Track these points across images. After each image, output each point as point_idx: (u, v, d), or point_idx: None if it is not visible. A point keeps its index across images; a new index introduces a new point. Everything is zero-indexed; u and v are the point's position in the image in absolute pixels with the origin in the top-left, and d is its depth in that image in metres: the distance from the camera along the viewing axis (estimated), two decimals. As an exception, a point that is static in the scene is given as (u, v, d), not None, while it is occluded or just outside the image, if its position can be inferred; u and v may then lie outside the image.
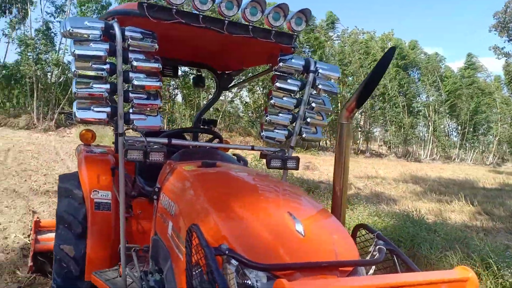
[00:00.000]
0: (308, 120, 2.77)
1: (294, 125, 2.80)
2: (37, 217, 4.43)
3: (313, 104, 2.74)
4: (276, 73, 2.72)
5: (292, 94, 2.77)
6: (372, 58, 31.44)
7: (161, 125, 2.40)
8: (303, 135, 2.79)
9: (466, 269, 1.52)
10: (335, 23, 33.86)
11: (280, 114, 2.74)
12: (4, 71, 21.85)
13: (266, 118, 2.73)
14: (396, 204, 11.04)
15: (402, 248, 4.67)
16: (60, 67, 21.66)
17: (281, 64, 2.65)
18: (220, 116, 25.00)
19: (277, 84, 2.68)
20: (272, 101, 2.69)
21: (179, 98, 25.27)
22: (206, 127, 4.07)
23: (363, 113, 34.27)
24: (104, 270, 2.76)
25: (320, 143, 38.51)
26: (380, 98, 32.90)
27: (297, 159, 2.78)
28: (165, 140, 2.52)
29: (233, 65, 3.85)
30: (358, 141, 33.29)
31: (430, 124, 35.45)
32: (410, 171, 20.32)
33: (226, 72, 4.01)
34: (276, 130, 2.77)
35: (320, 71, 2.75)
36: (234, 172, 2.39)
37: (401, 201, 11.34)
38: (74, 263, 2.76)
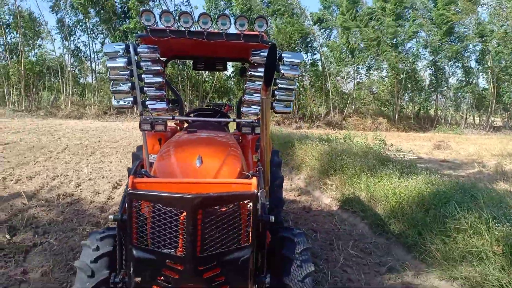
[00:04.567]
0: (277, 97, 3.61)
1: None
2: None
3: (280, 85, 3.57)
4: (252, 63, 3.63)
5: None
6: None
7: (166, 107, 3.59)
8: (275, 109, 3.65)
9: (255, 177, 2.41)
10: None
11: (254, 94, 3.64)
12: None
13: (244, 97, 3.68)
14: (517, 182, 10.28)
15: (432, 210, 5.02)
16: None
17: (252, 57, 3.56)
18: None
19: (249, 72, 3.60)
20: (246, 85, 3.63)
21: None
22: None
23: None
24: None
25: (468, 119, 35.44)
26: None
27: None
28: (170, 117, 3.72)
29: None
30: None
31: None
32: None
33: None
34: (252, 106, 3.68)
35: (284, 59, 3.55)
36: (200, 135, 3.44)
37: (527, 179, 10.45)
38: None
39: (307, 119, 32.65)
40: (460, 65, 33.64)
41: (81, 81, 34.58)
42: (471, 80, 34.13)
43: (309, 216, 6.44)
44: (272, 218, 2.39)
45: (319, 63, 34.67)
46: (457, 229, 4.35)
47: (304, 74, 32.59)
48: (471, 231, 4.22)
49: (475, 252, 4.03)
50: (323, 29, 34.57)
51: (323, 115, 33.68)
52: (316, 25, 34.05)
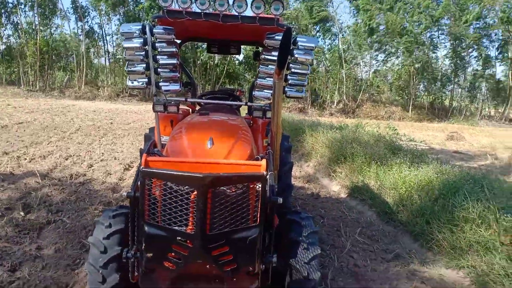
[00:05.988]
0: (290, 81, 3.60)
1: None
2: None
3: (293, 70, 3.56)
4: (266, 46, 3.62)
5: None
6: None
7: (179, 89, 3.61)
8: (287, 94, 3.65)
9: (265, 159, 2.45)
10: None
11: (267, 78, 3.64)
12: None
13: (256, 81, 3.68)
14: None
15: (441, 199, 5.02)
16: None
17: (266, 40, 3.55)
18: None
19: (263, 56, 3.59)
20: (260, 69, 3.63)
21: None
22: None
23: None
24: None
25: (483, 111, 34.88)
26: None
27: None
28: (182, 99, 3.75)
29: None
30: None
31: None
32: None
33: None
34: (264, 90, 3.69)
35: (299, 43, 3.53)
36: (212, 117, 3.48)
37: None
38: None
39: (318, 106, 32.47)
40: (479, 54, 32.93)
41: (94, 62, 34.80)
42: (488, 70, 33.51)
43: (317, 203, 6.47)
44: (280, 200, 2.43)
45: (336, 49, 34.22)
46: (465, 218, 4.36)
47: (319, 60, 32.19)
48: (479, 221, 4.22)
49: (483, 242, 4.04)
50: (352, 8, 33.99)
51: (335, 102, 33.46)
52: (343, 4, 33.71)
